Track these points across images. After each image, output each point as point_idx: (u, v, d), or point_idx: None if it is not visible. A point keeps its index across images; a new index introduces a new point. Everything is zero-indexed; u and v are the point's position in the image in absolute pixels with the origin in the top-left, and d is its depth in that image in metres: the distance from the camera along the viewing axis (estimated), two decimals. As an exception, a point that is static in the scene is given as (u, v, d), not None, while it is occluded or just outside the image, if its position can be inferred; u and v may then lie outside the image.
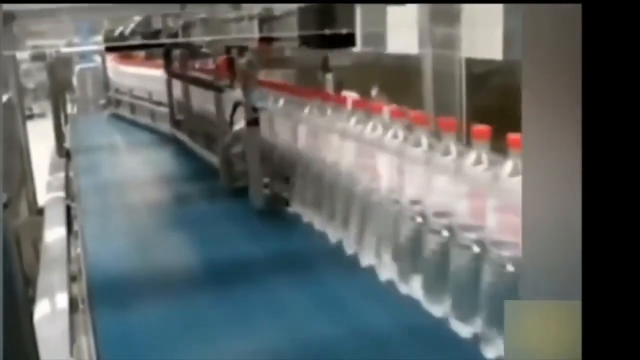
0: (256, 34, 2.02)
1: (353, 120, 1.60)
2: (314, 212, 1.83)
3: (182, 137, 3.22)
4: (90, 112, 5.76)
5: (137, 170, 3.06)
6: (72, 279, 1.75)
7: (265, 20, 2.01)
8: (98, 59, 5.19)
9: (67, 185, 2.78)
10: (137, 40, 2.77)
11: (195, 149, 2.95)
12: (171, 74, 3.28)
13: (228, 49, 2.25)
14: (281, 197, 2.04)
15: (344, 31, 1.67)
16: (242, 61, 2.10)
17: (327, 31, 1.66)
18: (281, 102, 2.07)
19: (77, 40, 5.00)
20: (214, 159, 2.52)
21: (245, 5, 2.16)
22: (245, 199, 2.10)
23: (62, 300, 1.58)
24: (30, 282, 1.68)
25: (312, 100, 1.86)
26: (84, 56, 5.87)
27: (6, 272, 0.86)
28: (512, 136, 1.06)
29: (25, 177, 3.67)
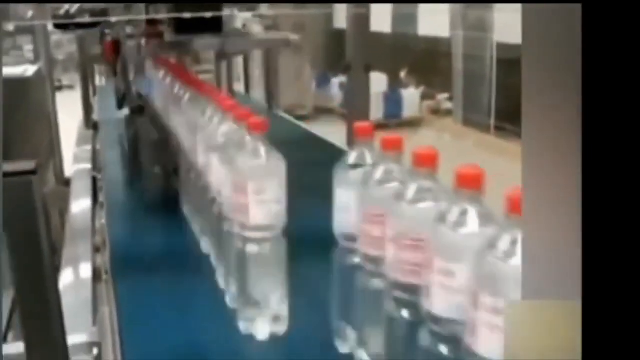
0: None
1: (208, 114, 1.46)
2: (188, 206, 1.73)
3: None
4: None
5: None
6: (96, 249, 1.78)
7: (150, 2, 1.87)
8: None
9: (94, 157, 2.81)
10: (85, 19, 2.71)
11: None
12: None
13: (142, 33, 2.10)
14: (170, 188, 1.89)
15: (208, 15, 1.59)
16: (129, 44, 1.97)
17: (187, 15, 1.59)
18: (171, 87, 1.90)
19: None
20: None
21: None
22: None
23: (86, 270, 1.60)
24: (56, 251, 1.70)
25: (191, 90, 1.72)
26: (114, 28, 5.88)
27: (34, 240, 0.87)
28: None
29: (53, 147, 3.71)
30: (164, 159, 1.92)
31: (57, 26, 2.83)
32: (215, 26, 1.64)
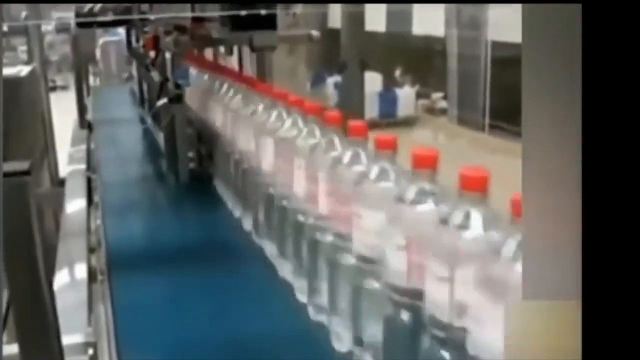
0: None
1: (259, 105, 1.52)
2: (229, 192, 1.79)
3: (147, 117, 3.18)
4: (114, 85, 5.78)
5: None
6: (91, 250, 1.77)
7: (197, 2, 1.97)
8: (122, 32, 5.20)
9: (88, 157, 2.80)
10: (108, 17, 2.77)
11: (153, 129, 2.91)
12: (131, 53, 3.27)
13: (172, 28, 2.21)
14: (205, 173, 2.02)
15: (263, 13, 1.64)
16: (167, 39, 2.07)
17: (244, 13, 1.64)
18: (205, 79, 2.07)
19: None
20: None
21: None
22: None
23: (81, 270, 1.60)
24: (50, 252, 1.70)
25: (229, 80, 1.83)
26: (108, 29, 5.88)
27: (28, 241, 0.87)
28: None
29: (47, 148, 3.70)
30: (199, 143, 2.05)
31: (80, 25, 2.89)
32: (270, 23, 1.69)
